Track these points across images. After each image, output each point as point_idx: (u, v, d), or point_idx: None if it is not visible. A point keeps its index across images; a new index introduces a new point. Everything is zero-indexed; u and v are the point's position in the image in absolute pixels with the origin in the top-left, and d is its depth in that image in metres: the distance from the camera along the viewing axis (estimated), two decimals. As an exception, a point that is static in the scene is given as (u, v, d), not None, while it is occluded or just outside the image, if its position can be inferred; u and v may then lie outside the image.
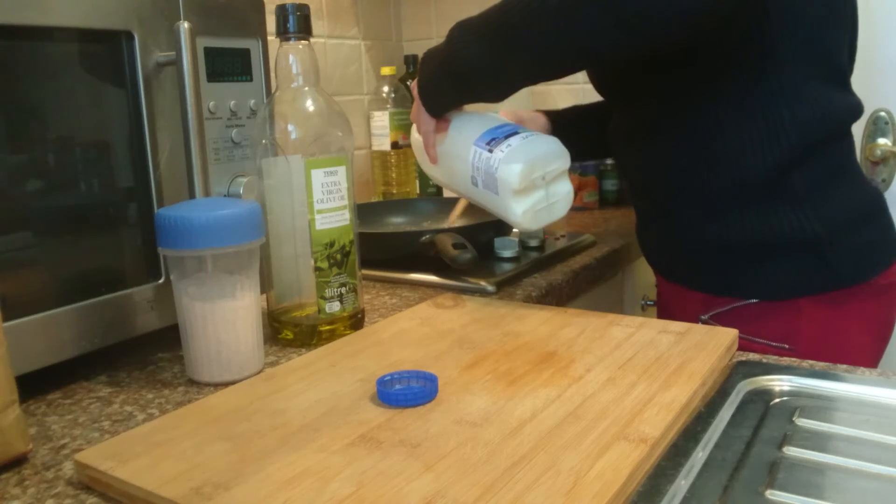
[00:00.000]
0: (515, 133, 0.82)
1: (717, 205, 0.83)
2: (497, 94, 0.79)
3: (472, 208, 1.12)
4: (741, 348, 0.68)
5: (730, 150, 0.80)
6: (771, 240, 0.80)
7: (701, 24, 0.68)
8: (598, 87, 0.98)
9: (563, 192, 0.83)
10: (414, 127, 0.91)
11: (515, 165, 0.79)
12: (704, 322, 0.86)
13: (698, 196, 0.84)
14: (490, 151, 0.81)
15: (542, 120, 1.11)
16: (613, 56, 0.75)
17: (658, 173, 0.88)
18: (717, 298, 0.86)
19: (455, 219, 1.11)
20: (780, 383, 0.59)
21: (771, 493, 0.44)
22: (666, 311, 0.99)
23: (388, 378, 0.59)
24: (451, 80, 0.80)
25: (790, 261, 0.80)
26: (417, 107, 0.86)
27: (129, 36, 0.69)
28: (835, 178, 0.80)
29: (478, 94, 0.81)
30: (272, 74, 0.79)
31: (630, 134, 0.92)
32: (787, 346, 0.81)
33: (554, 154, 0.82)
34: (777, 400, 0.57)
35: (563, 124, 1.10)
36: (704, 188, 0.83)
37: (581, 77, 1.61)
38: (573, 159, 0.85)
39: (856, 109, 0.82)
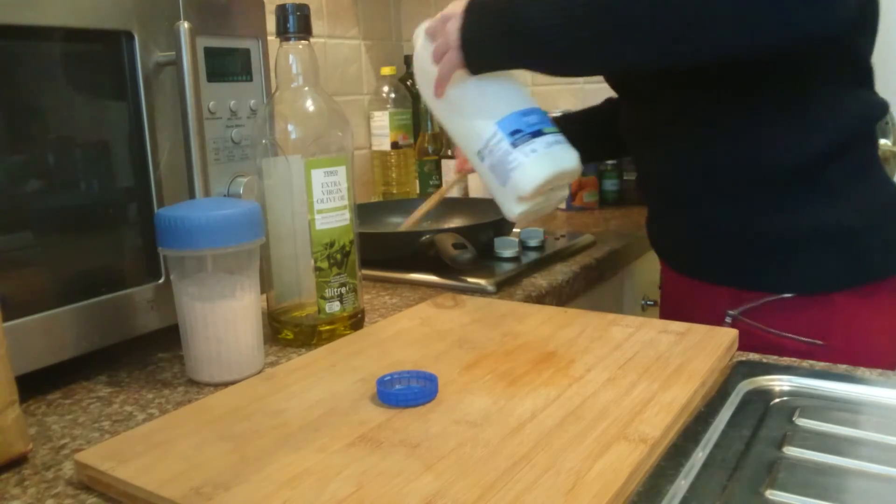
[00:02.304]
0: (541, 133, 0.77)
1: (750, 198, 0.81)
2: (557, 69, 0.73)
3: (434, 212, 1.12)
4: (772, 346, 0.67)
5: (764, 144, 0.79)
6: (805, 232, 0.79)
7: (814, 40, 0.66)
8: (616, 78, 0.94)
9: (559, 196, 0.82)
10: (422, 40, 0.82)
11: (534, 179, 0.75)
12: (733, 318, 0.84)
13: (730, 189, 0.82)
14: (513, 146, 0.76)
15: None
16: (709, 56, 0.69)
17: (685, 167, 0.85)
18: (748, 293, 0.84)
19: (413, 222, 1.09)
20: (780, 383, 0.59)
21: (771, 493, 0.44)
22: (677, 311, 0.96)
23: (388, 378, 0.59)
24: (510, 39, 0.73)
25: (824, 254, 0.79)
26: (445, 43, 0.77)
27: (129, 36, 0.69)
28: (866, 172, 0.80)
29: (535, 65, 0.74)
30: (272, 74, 0.79)
31: (651, 127, 0.89)
32: (819, 342, 0.80)
33: (572, 172, 0.79)
34: (777, 400, 0.57)
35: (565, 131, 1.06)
36: (737, 181, 0.81)
37: (581, 77, 1.61)
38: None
39: (883, 108, 0.82)
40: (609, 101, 1.12)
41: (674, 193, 0.89)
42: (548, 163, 0.76)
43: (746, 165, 0.80)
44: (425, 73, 0.83)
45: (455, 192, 1.58)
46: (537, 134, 0.77)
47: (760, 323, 0.82)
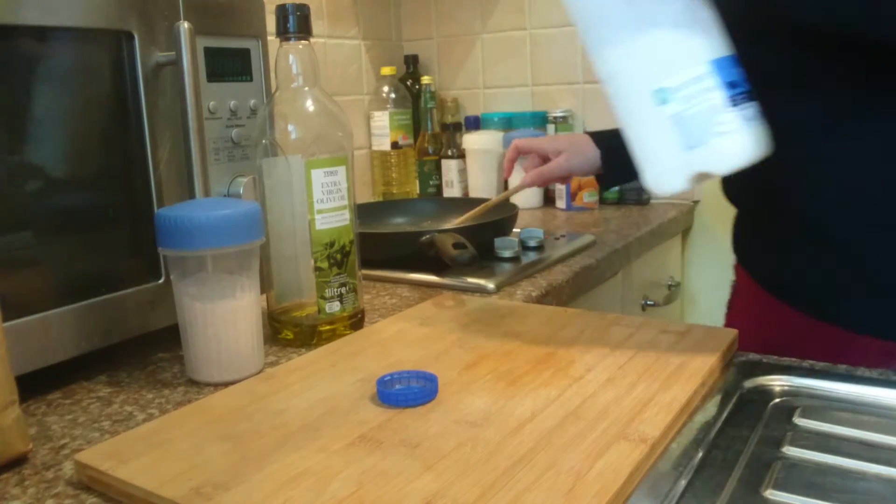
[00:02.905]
0: (749, 95, 0.57)
1: None
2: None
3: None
4: None
5: None
6: None
7: None
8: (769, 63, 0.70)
9: None
10: None
11: (744, 155, 0.56)
12: None
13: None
14: (732, 103, 0.55)
15: (589, 146, 1.00)
16: None
17: (854, 193, 0.67)
18: None
19: (464, 220, 1.08)
20: (780, 383, 0.59)
21: (771, 493, 0.44)
22: (783, 350, 0.70)
23: (388, 378, 0.59)
24: None
25: None
26: None
27: (129, 36, 0.69)
28: None
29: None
30: (272, 74, 0.79)
31: (802, 130, 0.68)
32: None
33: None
34: (777, 400, 0.57)
35: (615, 147, 0.79)
36: None
37: (581, 76, 1.61)
38: (625, 181, 0.74)
39: None
40: None
41: (826, 223, 0.70)
42: (762, 139, 0.57)
43: None
44: None
45: (456, 192, 1.58)
46: (751, 95, 0.57)
47: None
